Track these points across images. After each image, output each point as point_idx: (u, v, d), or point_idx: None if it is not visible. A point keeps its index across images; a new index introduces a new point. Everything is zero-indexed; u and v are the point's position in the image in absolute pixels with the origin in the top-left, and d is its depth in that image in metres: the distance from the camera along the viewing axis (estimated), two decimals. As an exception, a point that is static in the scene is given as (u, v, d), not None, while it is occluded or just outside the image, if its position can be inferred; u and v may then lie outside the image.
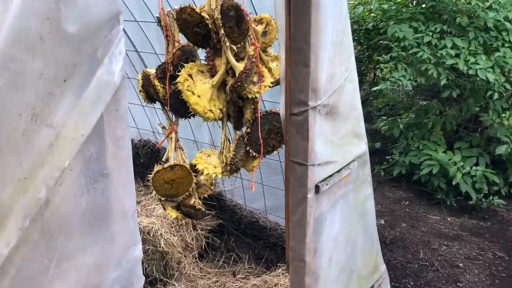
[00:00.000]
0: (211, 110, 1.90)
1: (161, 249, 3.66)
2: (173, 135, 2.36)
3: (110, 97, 0.85)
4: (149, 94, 2.32)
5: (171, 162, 2.30)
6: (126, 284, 1.10)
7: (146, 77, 2.25)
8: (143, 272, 3.82)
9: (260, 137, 1.91)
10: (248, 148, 2.03)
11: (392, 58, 4.72)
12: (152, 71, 2.30)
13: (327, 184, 2.14)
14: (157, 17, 2.21)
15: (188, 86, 1.83)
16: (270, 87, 1.94)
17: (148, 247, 3.69)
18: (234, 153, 1.99)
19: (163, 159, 2.40)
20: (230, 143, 2.07)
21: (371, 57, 7.87)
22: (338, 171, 2.23)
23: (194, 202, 2.42)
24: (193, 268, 3.87)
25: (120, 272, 1.06)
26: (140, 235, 3.81)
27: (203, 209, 2.38)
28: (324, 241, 2.26)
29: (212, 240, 4.25)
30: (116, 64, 0.84)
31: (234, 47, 1.81)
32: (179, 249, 3.84)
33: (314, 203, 2.11)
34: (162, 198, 2.31)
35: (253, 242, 4.10)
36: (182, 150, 2.42)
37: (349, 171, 2.34)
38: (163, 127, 2.39)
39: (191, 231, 4.09)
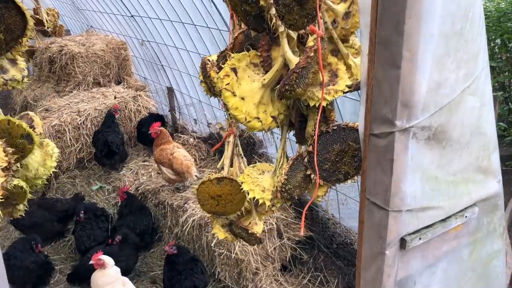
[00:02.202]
0: (258, 118, 1.47)
1: (235, 255, 3.39)
2: (231, 138, 1.99)
3: None
4: (209, 86, 1.98)
5: (225, 172, 1.95)
6: None
7: (203, 66, 1.91)
8: (215, 276, 3.59)
9: (315, 157, 1.42)
10: (309, 172, 1.54)
11: None
12: (213, 58, 1.95)
13: (420, 238, 1.53)
14: (222, -9, 1.83)
15: (228, 84, 1.42)
16: (344, 92, 1.42)
17: (222, 251, 3.46)
18: (286, 177, 1.53)
19: (218, 166, 2.06)
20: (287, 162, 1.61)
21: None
22: (443, 220, 1.59)
23: (250, 223, 2.03)
24: (271, 282, 3.53)
25: None
26: (215, 234, 3.60)
27: (257, 235, 1.98)
28: (409, 313, 1.66)
29: (299, 253, 3.83)
30: None
31: (293, 34, 1.33)
32: (258, 257, 3.52)
33: (396, 262, 1.53)
34: (208, 214, 1.98)
35: (345, 267, 3.55)
36: (242, 157, 2.04)
37: (464, 220, 1.67)
38: (221, 128, 2.04)
39: (274, 239, 3.74)
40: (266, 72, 1.47)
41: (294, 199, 1.63)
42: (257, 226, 2.08)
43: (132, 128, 5.74)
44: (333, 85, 1.41)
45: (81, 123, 5.18)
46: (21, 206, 1.70)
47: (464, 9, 1.16)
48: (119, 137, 5.03)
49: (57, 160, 1.78)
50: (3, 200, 1.48)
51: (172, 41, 5.06)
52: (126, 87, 6.59)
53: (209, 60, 1.93)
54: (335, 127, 1.49)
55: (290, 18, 1.29)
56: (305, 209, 1.56)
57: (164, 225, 4.38)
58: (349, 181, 1.62)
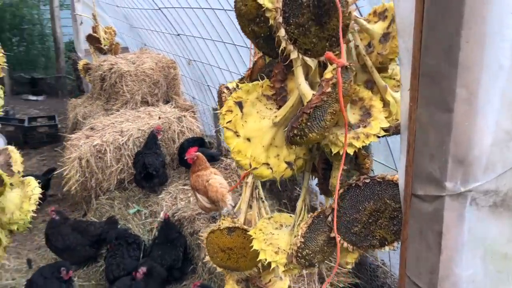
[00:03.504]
0: (267, 164, 1.20)
1: (267, 302, 3.08)
2: (249, 179, 1.73)
3: None
4: (227, 117, 1.74)
5: (241, 219, 1.68)
6: None
7: (219, 95, 1.69)
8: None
9: (334, 217, 1.12)
10: (333, 234, 1.24)
11: None
12: (233, 85, 1.72)
13: (482, 334, 1.16)
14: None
15: (230, 122, 1.17)
16: (379, 137, 1.11)
17: (252, 295, 3.16)
18: (303, 240, 1.24)
19: (235, 209, 1.80)
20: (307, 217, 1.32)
21: None
22: (514, 309, 1.21)
23: (270, 281, 1.75)
24: (308, 335, 3.17)
25: None
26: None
27: (278, 298, 1.69)
28: None
29: (343, 303, 3.44)
30: None
31: (310, 62, 1.06)
32: (294, 305, 3.19)
33: None
34: (219, 268, 1.72)
35: (395, 324, 3.11)
36: (263, 201, 1.77)
37: (544, 308, 1.27)
38: (239, 166, 1.78)
39: (315, 284, 3.38)
40: (280, 107, 1.20)
41: (315, 265, 1.33)
42: (281, 283, 1.79)
43: (175, 149, 5.66)
44: (364, 127, 1.11)
45: (123, 143, 5.17)
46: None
47: (550, 29, 0.82)
48: (160, 160, 4.95)
49: (36, 203, 1.61)
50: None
51: (216, 61, 4.94)
52: (174, 107, 6.57)
53: (227, 87, 1.70)
54: (368, 180, 1.18)
55: (306, 42, 1.02)
56: (326, 283, 1.24)
57: (198, 257, 4.17)
58: (386, 247, 1.29)
